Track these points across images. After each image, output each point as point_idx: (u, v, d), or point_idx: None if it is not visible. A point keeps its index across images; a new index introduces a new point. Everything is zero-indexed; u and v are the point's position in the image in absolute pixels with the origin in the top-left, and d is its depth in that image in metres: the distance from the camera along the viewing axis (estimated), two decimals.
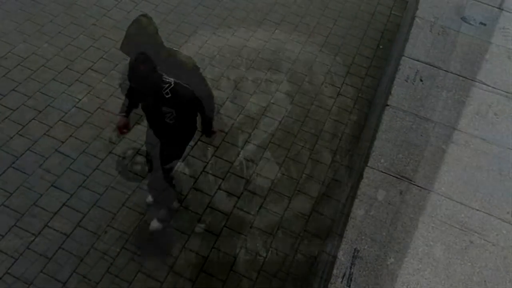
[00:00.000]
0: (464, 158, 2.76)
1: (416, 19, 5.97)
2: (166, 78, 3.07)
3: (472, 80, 4.31)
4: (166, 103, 3.09)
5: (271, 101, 4.99)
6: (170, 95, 3.08)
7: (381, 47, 5.79)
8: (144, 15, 3.11)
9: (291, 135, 4.62)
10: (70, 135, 4.44)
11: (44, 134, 4.43)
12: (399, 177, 4.17)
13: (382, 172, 4.26)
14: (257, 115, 4.81)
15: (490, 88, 3.22)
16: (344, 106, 4.95)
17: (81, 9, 6.16)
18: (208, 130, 3.54)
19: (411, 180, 4.17)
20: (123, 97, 3.52)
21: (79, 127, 4.53)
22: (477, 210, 2.51)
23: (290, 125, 4.73)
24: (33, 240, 3.68)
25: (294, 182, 4.19)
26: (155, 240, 3.73)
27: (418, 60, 5.52)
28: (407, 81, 5.23)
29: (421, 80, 5.18)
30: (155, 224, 3.77)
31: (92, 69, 5.20)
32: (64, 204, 3.93)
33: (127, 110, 3.42)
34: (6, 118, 4.56)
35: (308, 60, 5.50)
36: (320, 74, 5.33)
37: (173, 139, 3.40)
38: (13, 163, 4.22)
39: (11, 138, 4.45)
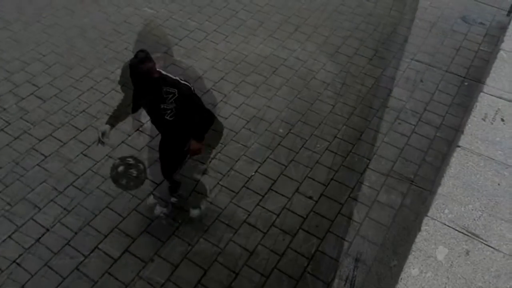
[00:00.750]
0: (469, 163, 2.73)
1: (416, 20, 5.96)
2: (169, 89, 3.05)
3: (476, 82, 4.28)
4: (166, 101, 3.08)
5: (285, 106, 4.95)
6: (174, 104, 3.08)
7: (380, 48, 5.76)
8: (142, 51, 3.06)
9: (296, 136, 4.58)
10: (73, 137, 4.42)
11: (48, 135, 4.42)
12: (401, 179, 4.16)
13: (383, 174, 4.25)
14: (260, 114, 4.78)
15: (498, 91, 3.18)
16: (344, 109, 4.91)
17: (83, 14, 6.15)
18: (197, 136, 3.30)
19: (412, 182, 4.15)
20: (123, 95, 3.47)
21: (83, 130, 4.52)
22: (481, 215, 2.48)
23: (296, 126, 4.69)
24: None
25: (294, 182, 4.15)
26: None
27: (419, 61, 5.51)
28: (407, 83, 5.22)
29: (422, 81, 5.16)
30: (194, 212, 3.81)
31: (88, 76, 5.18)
32: (64, 210, 3.88)
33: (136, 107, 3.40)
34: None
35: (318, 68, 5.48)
36: (324, 81, 5.31)
37: (174, 136, 3.36)
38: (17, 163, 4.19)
39: (15, 138, 4.42)
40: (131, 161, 3.45)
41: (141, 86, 3.05)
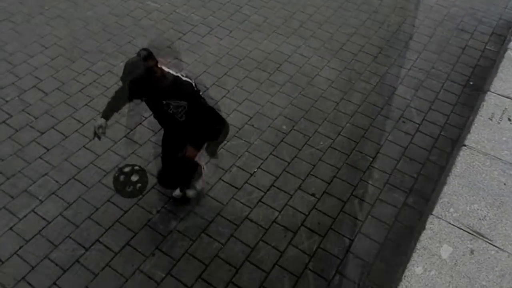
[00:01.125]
0: (475, 162, 2.72)
1: (422, 17, 5.93)
2: (178, 102, 3.10)
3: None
4: (171, 97, 3.09)
5: (288, 102, 4.95)
6: (184, 118, 3.14)
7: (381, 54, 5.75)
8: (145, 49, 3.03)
9: (299, 133, 4.58)
10: (75, 131, 4.45)
11: (51, 128, 4.45)
12: (406, 175, 4.14)
13: (386, 173, 4.24)
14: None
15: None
16: (348, 106, 4.90)
17: (87, 7, 6.13)
18: (195, 143, 3.29)
19: (417, 181, 4.14)
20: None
21: (85, 123, 4.55)
22: (486, 214, 2.48)
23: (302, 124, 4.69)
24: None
25: (297, 179, 4.15)
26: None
27: (424, 60, 5.49)
28: (412, 81, 5.21)
29: (421, 89, 5.14)
30: (190, 192, 3.89)
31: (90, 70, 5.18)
32: (66, 203, 3.88)
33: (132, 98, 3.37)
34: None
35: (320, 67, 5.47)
36: (328, 78, 5.30)
37: (178, 130, 3.33)
38: (19, 150, 4.20)
39: (17, 131, 4.41)
40: (128, 169, 3.30)
41: (143, 84, 3.05)
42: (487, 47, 5.73)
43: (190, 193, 3.90)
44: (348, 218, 3.87)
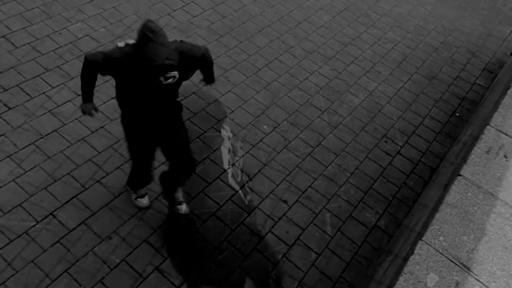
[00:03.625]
0: (468, 193, 2.84)
1: (418, 41, 6.07)
2: (170, 73, 2.83)
3: None
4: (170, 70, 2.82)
5: (273, 102, 4.97)
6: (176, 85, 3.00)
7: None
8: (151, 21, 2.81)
9: (280, 136, 4.62)
10: (42, 93, 4.29)
11: (15, 85, 4.24)
12: (381, 197, 4.26)
13: (362, 191, 4.33)
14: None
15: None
16: (333, 117, 5.00)
17: None
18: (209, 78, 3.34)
19: (391, 204, 4.25)
20: None
21: (54, 87, 4.36)
22: (474, 247, 2.60)
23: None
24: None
25: (271, 183, 4.19)
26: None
27: (415, 83, 5.62)
28: (399, 102, 5.35)
29: (408, 112, 5.27)
30: (184, 207, 3.75)
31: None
32: (21, 169, 3.76)
33: (91, 94, 3.10)
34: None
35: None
36: (318, 84, 5.38)
37: (175, 109, 3.18)
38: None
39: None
40: None
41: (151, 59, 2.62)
42: (477, 81, 5.98)
43: (182, 205, 3.74)
44: (318, 231, 3.95)
